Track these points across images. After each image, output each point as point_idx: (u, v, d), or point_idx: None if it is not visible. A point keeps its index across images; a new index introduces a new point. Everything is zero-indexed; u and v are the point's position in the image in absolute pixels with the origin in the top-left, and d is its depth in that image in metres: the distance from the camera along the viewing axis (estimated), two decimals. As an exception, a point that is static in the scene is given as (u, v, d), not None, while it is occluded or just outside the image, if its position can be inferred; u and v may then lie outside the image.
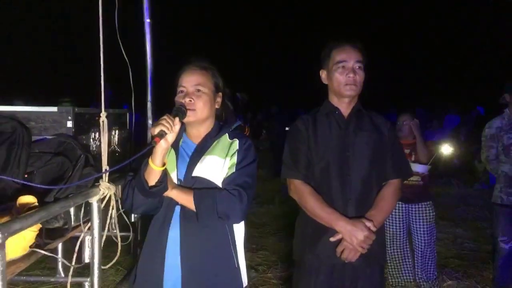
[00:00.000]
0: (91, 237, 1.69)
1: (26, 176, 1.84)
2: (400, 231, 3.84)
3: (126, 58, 2.32)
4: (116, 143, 2.64)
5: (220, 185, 1.72)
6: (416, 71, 21.55)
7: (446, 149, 8.06)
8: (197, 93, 1.75)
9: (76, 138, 2.11)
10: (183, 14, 20.44)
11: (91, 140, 2.32)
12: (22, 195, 1.60)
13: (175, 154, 1.79)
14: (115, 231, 1.80)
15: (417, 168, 3.64)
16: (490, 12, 18.94)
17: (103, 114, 1.69)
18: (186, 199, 1.67)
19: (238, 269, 1.76)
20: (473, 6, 20.07)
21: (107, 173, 1.61)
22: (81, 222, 1.82)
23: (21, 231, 1.26)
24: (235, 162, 1.74)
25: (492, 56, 18.90)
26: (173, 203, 1.72)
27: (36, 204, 1.58)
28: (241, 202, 1.65)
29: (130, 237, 2.28)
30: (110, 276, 3.87)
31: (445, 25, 22.09)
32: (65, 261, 1.81)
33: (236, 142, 1.78)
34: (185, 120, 1.70)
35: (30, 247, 1.59)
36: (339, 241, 2.01)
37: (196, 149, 1.79)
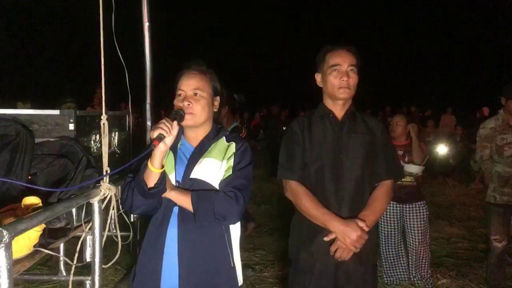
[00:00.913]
0: (92, 237, 1.75)
1: (30, 177, 1.88)
2: (394, 231, 3.90)
3: (122, 61, 2.37)
4: (116, 144, 2.69)
5: (217, 187, 1.77)
6: (412, 71, 21.61)
7: (442, 149, 8.14)
8: (196, 96, 1.79)
9: (77, 140, 2.16)
10: (182, 15, 20.46)
11: (92, 142, 2.37)
12: (26, 196, 1.65)
13: (174, 156, 1.83)
14: (115, 231, 1.85)
15: (411, 168, 3.69)
16: (489, 10, 18.98)
17: (104, 117, 1.75)
18: (184, 200, 1.71)
19: (233, 268, 1.81)
20: (471, 3, 20.13)
21: (108, 173, 1.67)
22: (83, 222, 1.88)
23: (26, 231, 1.31)
24: (232, 165, 1.78)
25: (491, 56, 18.96)
26: (171, 204, 1.76)
27: (40, 204, 1.63)
28: (237, 204, 1.70)
29: (130, 237, 2.34)
30: (110, 275, 3.91)
31: (442, 23, 22.13)
32: (67, 260, 1.85)
33: (233, 145, 1.83)
34: (184, 123, 1.75)
35: (34, 246, 1.64)
36: (333, 240, 2.06)
37: (194, 152, 1.83)
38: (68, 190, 1.86)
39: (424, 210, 3.88)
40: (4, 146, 1.84)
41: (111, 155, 2.34)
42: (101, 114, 1.76)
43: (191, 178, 1.78)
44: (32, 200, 1.63)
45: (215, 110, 1.90)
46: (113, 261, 1.86)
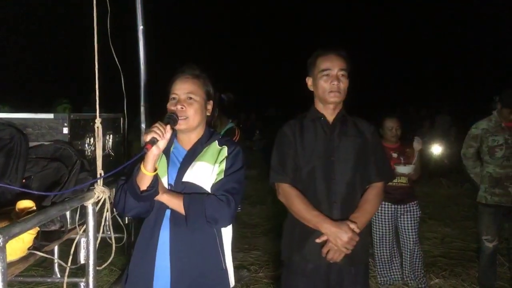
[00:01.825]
0: (86, 239, 1.76)
1: (24, 181, 1.90)
2: (388, 232, 3.94)
3: (118, 64, 2.38)
4: (110, 147, 2.71)
5: (209, 190, 1.79)
6: (408, 71, 21.69)
7: (436, 149, 8.18)
8: (189, 100, 1.82)
9: (71, 144, 2.17)
10: (177, 17, 20.45)
11: (86, 145, 2.39)
12: (20, 199, 1.66)
13: (166, 159, 1.85)
14: (109, 233, 1.87)
15: (402, 169, 3.72)
16: (484, 11, 19.08)
17: (98, 120, 1.76)
18: (176, 204, 1.73)
19: (225, 270, 1.83)
20: (467, 4, 20.23)
21: (101, 176, 1.69)
22: (77, 225, 1.90)
23: (20, 234, 1.33)
24: (224, 169, 1.80)
25: (487, 57, 19.06)
26: (163, 206, 1.78)
27: (34, 208, 1.65)
28: (229, 207, 1.73)
29: (124, 239, 2.36)
30: (104, 277, 3.92)
31: (438, 24, 22.23)
32: (61, 262, 1.87)
33: (225, 149, 1.85)
34: (177, 127, 1.77)
35: (28, 249, 1.66)
36: (325, 242, 2.09)
37: (187, 155, 1.85)
38: (62, 193, 1.88)
39: (418, 210, 3.94)
40: (-2, 150, 1.86)
41: (105, 157, 2.37)
42: (95, 117, 1.78)
43: (184, 182, 1.80)
44: (26, 204, 1.64)
45: (208, 114, 1.93)
46: (107, 262, 1.88)
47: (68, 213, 1.94)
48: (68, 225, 1.96)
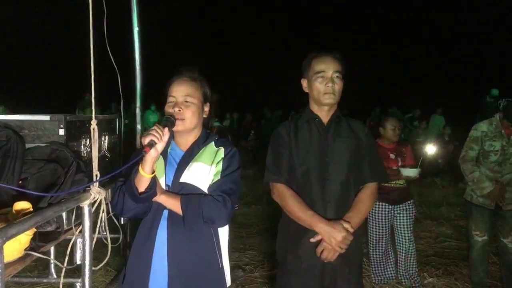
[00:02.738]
0: (82, 240, 1.78)
1: (20, 182, 1.91)
2: (385, 232, 3.99)
3: (115, 65, 2.39)
4: (106, 148, 2.72)
5: (206, 191, 1.81)
6: (403, 71, 21.77)
7: (430, 149, 8.24)
8: (186, 103, 1.84)
9: (67, 145, 2.18)
10: (173, 17, 20.44)
11: (82, 146, 2.40)
12: (17, 201, 1.67)
13: (164, 161, 1.87)
14: (105, 233, 1.88)
15: (408, 172, 3.74)
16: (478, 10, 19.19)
17: (93, 122, 1.78)
18: (174, 204, 1.75)
19: (222, 269, 1.85)
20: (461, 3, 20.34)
21: (98, 179, 1.70)
22: (73, 226, 1.91)
23: (17, 236, 1.35)
24: (220, 170, 1.83)
25: (480, 57, 19.18)
26: (161, 207, 1.80)
27: (31, 209, 1.66)
28: (225, 207, 1.75)
29: (120, 239, 2.37)
30: (100, 277, 3.93)
31: (432, 24, 22.33)
32: (57, 263, 1.88)
33: (222, 150, 1.88)
34: (174, 129, 1.79)
35: (25, 250, 1.67)
36: (319, 241, 2.12)
37: (184, 156, 1.87)
38: (58, 195, 1.89)
39: (413, 208, 4.01)
40: (-6, 152, 1.87)
41: (101, 158, 2.38)
42: (91, 118, 1.79)
43: (181, 182, 1.82)
44: (23, 205, 1.65)
45: (205, 116, 1.95)
46: (103, 263, 1.90)
47: (64, 214, 1.95)
48: (64, 226, 1.97)
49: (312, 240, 2.12)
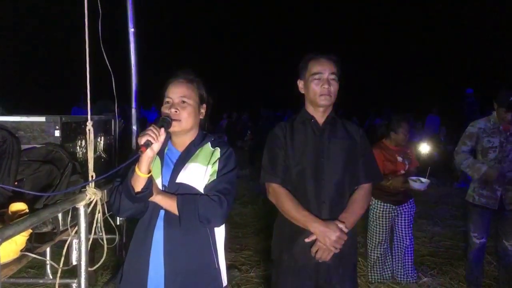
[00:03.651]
0: (78, 240, 1.79)
1: (16, 183, 1.91)
2: (386, 231, 4.03)
3: (109, 67, 2.39)
4: (102, 149, 2.72)
5: (202, 191, 1.83)
6: (399, 72, 21.83)
7: (424, 148, 8.27)
8: (183, 104, 1.85)
9: (63, 146, 2.19)
10: (169, 19, 20.43)
11: (78, 147, 2.40)
12: (13, 202, 1.68)
13: (160, 161, 1.88)
14: (101, 234, 1.89)
15: (419, 186, 3.74)
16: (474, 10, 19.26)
17: (89, 123, 1.79)
18: (170, 204, 1.77)
19: (218, 269, 1.87)
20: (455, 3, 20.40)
21: (93, 179, 1.71)
22: (69, 226, 1.92)
23: (13, 237, 1.35)
24: (216, 170, 1.84)
25: (477, 57, 19.25)
26: (157, 207, 1.81)
27: (27, 211, 1.67)
28: (221, 207, 1.76)
29: (116, 240, 2.37)
30: (97, 277, 3.93)
31: (430, 24, 22.40)
32: (53, 264, 1.88)
33: (218, 151, 1.89)
34: (170, 129, 1.80)
35: (21, 251, 1.67)
36: (314, 241, 2.13)
37: (180, 157, 1.88)
38: (54, 195, 1.89)
39: (414, 207, 4.11)
40: (-10, 153, 1.87)
41: (97, 159, 2.38)
42: (87, 119, 1.80)
43: (177, 183, 1.83)
44: (19, 206, 1.66)
45: (202, 117, 1.96)
46: (99, 263, 1.91)
47: (60, 215, 1.95)
48: (60, 227, 1.98)
49: (306, 240, 2.14)
